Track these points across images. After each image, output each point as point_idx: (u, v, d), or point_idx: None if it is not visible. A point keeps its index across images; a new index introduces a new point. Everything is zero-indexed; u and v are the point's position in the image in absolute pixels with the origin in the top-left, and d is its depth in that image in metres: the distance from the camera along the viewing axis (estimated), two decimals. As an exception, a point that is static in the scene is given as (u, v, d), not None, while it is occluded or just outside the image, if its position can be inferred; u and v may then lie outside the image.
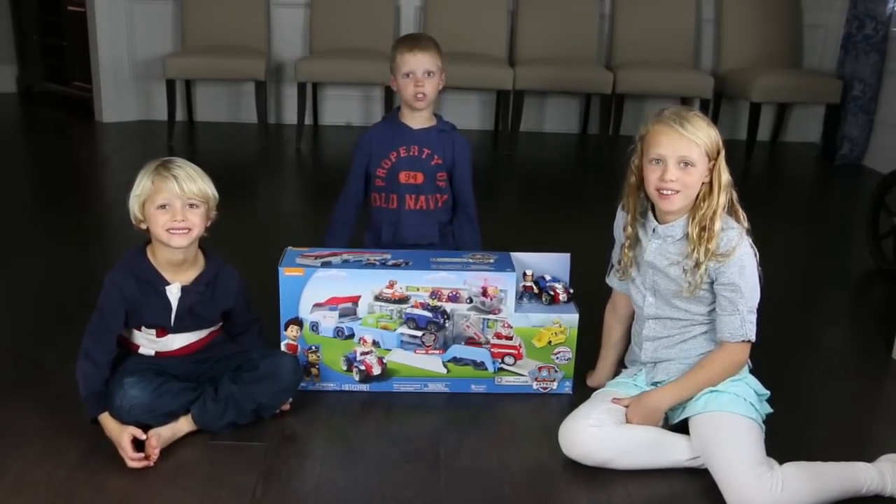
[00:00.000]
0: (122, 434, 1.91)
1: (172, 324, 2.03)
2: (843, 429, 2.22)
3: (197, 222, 1.97)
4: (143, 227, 1.99)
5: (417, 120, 2.60)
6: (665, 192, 1.90)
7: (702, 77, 5.09)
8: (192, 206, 1.96)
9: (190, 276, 2.04)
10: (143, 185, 1.96)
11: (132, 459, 1.89)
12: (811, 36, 5.36)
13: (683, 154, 1.88)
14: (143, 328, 2.04)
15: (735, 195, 1.95)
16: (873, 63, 4.91)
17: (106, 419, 1.95)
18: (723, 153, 1.92)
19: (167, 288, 2.00)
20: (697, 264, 1.91)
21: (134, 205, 1.97)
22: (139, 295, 1.99)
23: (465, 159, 2.65)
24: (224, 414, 2.01)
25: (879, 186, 3.38)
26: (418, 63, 2.51)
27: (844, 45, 5.03)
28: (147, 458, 1.90)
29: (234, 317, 2.16)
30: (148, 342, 2.06)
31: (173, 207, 1.94)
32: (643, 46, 5.23)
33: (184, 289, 2.02)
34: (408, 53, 2.51)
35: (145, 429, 1.93)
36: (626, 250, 2.06)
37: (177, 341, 2.07)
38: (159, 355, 2.07)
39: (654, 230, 2.00)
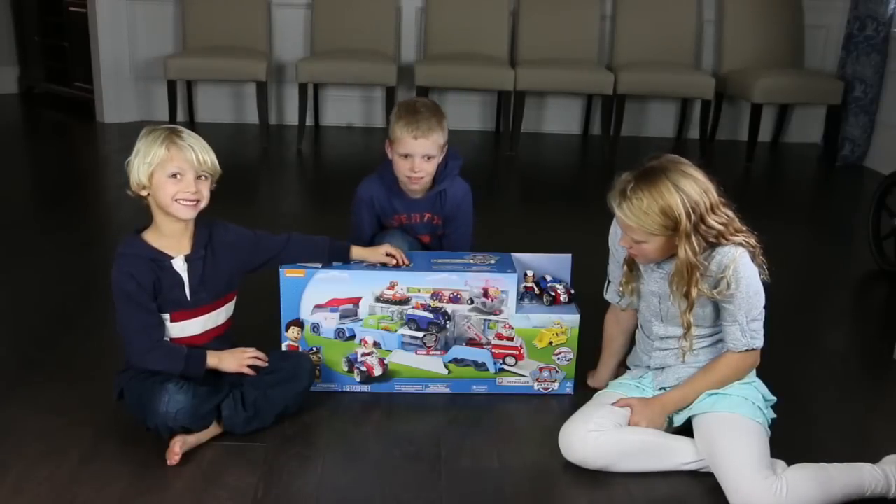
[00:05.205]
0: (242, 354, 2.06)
1: (189, 297, 2.00)
2: (845, 430, 2.22)
3: (206, 194, 1.97)
4: (145, 193, 1.95)
5: (416, 190, 2.48)
6: (632, 250, 1.94)
7: (703, 78, 5.09)
8: (201, 177, 1.95)
9: (188, 246, 2.01)
10: (154, 152, 1.91)
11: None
12: (812, 37, 5.36)
13: (625, 229, 1.89)
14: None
15: (728, 221, 1.86)
16: (874, 64, 4.91)
17: (214, 355, 2.02)
18: (685, 224, 1.80)
19: (172, 262, 1.98)
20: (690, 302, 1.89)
21: (141, 172, 1.92)
22: (153, 276, 1.95)
23: (457, 214, 2.50)
24: (252, 420, 2.01)
25: (880, 187, 3.38)
26: (418, 147, 2.34)
27: (846, 46, 5.02)
28: (168, 460, 1.90)
29: (265, 248, 2.13)
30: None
31: (186, 178, 1.92)
32: (644, 47, 5.23)
33: (187, 258, 2.00)
34: (408, 136, 2.32)
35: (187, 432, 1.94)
36: (626, 273, 2.06)
37: (193, 326, 2.03)
38: (174, 342, 2.01)
39: (657, 263, 1.98)
